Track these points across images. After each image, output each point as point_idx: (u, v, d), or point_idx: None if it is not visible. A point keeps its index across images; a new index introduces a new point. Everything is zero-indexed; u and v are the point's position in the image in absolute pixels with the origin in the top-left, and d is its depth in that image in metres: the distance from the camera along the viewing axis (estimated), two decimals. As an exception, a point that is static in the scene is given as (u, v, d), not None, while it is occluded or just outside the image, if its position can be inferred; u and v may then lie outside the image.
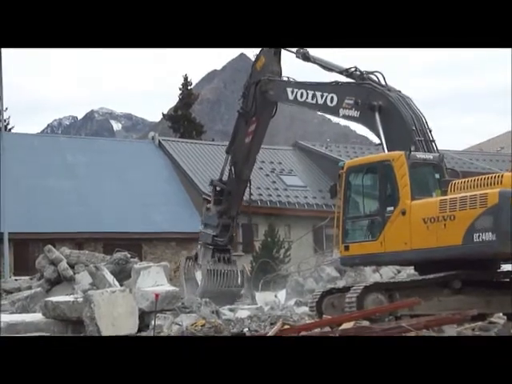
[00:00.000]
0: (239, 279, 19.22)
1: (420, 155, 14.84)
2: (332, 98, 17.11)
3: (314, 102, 17.58)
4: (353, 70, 17.02)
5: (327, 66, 17.79)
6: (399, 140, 15.42)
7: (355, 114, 16.47)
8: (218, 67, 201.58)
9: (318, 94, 17.43)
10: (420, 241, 13.93)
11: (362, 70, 16.83)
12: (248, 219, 20.81)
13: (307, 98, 17.77)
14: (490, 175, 13.72)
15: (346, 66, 17.43)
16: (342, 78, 17.28)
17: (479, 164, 42.50)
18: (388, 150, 15.31)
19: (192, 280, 18.94)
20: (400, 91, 16.35)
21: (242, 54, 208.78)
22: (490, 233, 13.04)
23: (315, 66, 18.11)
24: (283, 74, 19.10)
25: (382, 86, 16.32)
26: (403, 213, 14.20)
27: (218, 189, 19.50)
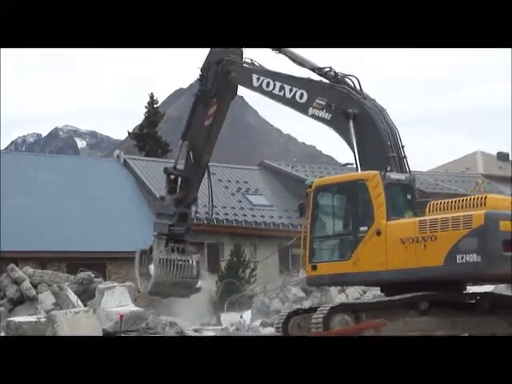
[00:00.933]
0: (195, 270, 17.59)
1: (394, 175, 14.71)
2: (302, 95, 16.28)
3: (281, 94, 16.63)
4: (327, 69, 16.24)
5: (298, 61, 16.83)
6: (372, 154, 15.14)
7: (326, 115, 15.85)
8: (185, 85, 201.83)
9: (287, 87, 16.50)
10: (397, 261, 13.83)
11: (338, 71, 16.13)
12: (210, 211, 19.75)
13: (274, 88, 16.76)
14: (472, 196, 13.74)
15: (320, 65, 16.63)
16: (314, 77, 16.53)
17: (444, 185, 42.75)
18: (360, 164, 15.10)
19: (147, 276, 17.61)
20: (375, 100, 15.91)
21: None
22: (475, 254, 13.00)
23: (286, 58, 17.02)
24: (246, 56, 17.67)
25: (357, 92, 15.80)
26: (378, 233, 14.09)
27: (172, 177, 18.10)
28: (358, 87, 15.82)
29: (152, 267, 17.29)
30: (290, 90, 16.39)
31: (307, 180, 15.75)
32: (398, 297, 13.98)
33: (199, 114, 17.97)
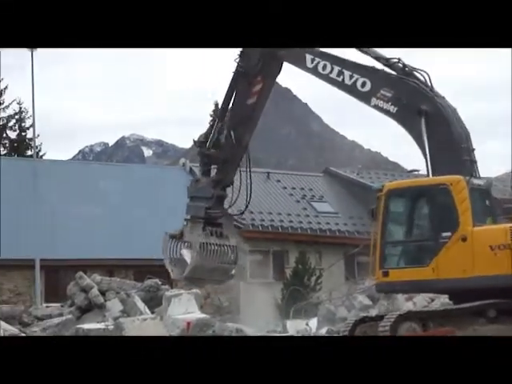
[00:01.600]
0: (233, 255, 16.82)
1: (475, 180, 14.34)
2: (364, 83, 15.39)
3: (339, 79, 15.61)
4: (395, 60, 15.27)
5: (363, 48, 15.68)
6: (445, 156, 14.58)
7: (391, 108, 15.13)
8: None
9: (347, 72, 15.50)
10: (485, 268, 13.56)
11: (407, 63, 15.23)
12: (246, 201, 17.73)
13: (331, 72, 15.70)
14: None
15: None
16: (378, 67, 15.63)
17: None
18: (431, 166, 14.59)
19: (179, 261, 16.80)
20: (445, 98, 15.13)
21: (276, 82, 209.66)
22: None
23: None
24: None
25: (429, 87, 15.04)
26: (463, 239, 13.78)
27: (206, 159, 17.12)
28: (428, 83, 15.08)
29: (185, 252, 16.70)
30: (351, 77, 15.52)
31: (374, 185, 15.45)
32: (466, 305, 13.79)
33: (241, 91, 16.85)
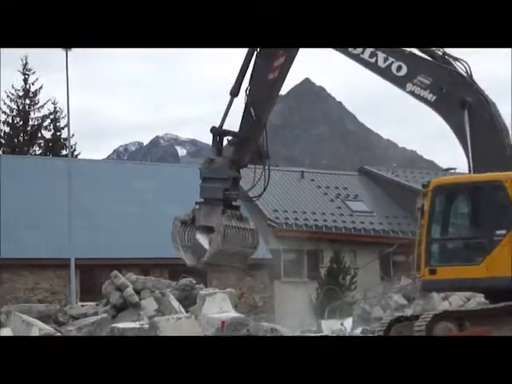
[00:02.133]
0: (254, 239, 15.83)
1: None
2: (399, 67, 14.80)
3: (371, 60, 14.91)
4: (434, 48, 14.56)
5: None
6: (488, 152, 14.23)
7: (429, 97, 14.62)
8: (283, 92, 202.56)
9: (381, 55, 14.81)
10: None
11: (447, 51, 14.56)
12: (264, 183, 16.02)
13: (363, 53, 14.96)
14: None
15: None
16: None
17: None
18: (473, 162, 14.24)
19: (193, 247, 15.91)
20: (484, 91, 14.62)
21: (306, 79, 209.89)
22: None
23: None
24: None
25: (471, 78, 14.52)
26: None
27: (218, 138, 16.01)
28: (469, 73, 14.54)
29: (200, 237, 15.69)
30: (385, 60, 14.87)
31: (423, 180, 14.99)
32: (503, 304, 13.66)
33: (260, 66, 15.75)
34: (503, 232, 13.70)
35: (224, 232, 15.08)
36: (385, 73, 15.00)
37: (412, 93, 14.83)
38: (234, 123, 15.66)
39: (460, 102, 14.34)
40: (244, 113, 15.76)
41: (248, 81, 15.57)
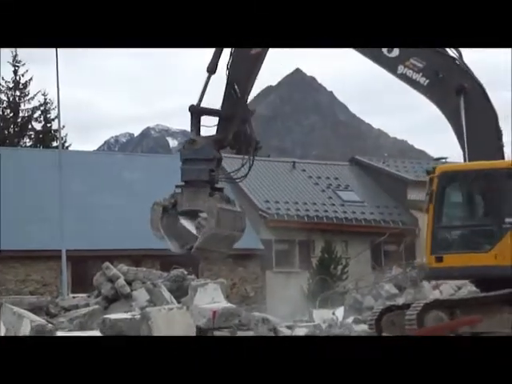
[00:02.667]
0: (242, 222, 15.02)
1: None
2: (391, 49, 14.46)
3: None
4: None
5: None
6: (482, 138, 14.12)
7: (422, 80, 14.44)
8: (274, 83, 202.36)
9: None
10: None
11: None
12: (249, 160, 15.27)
13: None
14: None
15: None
16: None
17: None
18: (469, 149, 14.09)
19: (177, 233, 15.14)
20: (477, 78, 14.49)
21: (297, 70, 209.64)
22: None
23: None
24: None
25: (464, 64, 14.42)
26: None
27: (196, 118, 15.21)
28: (462, 60, 14.47)
29: (186, 222, 14.92)
30: None
31: (427, 167, 14.70)
32: (493, 293, 13.71)
33: None
34: None
35: (218, 215, 14.30)
36: (375, 54, 14.72)
37: (403, 76, 14.60)
38: (211, 102, 15.21)
39: (456, 88, 14.21)
40: (226, 90, 15.02)
41: (229, 57, 14.95)
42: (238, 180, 15.48)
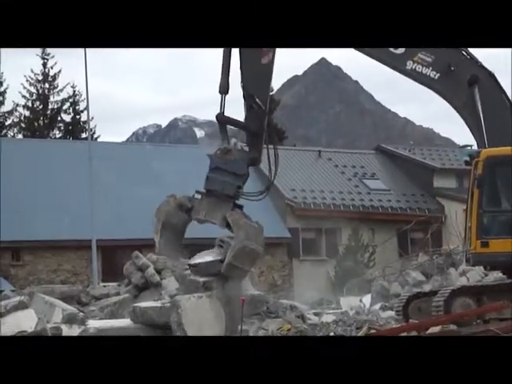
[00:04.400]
0: (263, 238, 14.25)
1: None
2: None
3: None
4: None
5: None
6: (500, 128, 13.94)
7: (432, 74, 14.23)
8: (299, 72, 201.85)
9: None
10: None
11: None
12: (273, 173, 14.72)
13: None
14: None
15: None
16: None
17: None
18: (487, 139, 13.90)
19: (176, 234, 15.01)
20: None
21: (322, 59, 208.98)
22: None
23: None
24: None
25: (472, 55, 14.28)
26: None
27: (225, 128, 14.77)
28: (468, 51, 14.22)
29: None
30: None
31: (465, 151, 14.39)
32: (520, 279, 13.77)
33: (249, 55, 14.50)
34: None
35: (245, 226, 13.83)
36: (382, 52, 14.40)
37: (413, 71, 14.41)
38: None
39: (470, 78, 14.09)
40: (247, 104, 14.51)
41: (241, 75, 14.53)
42: (257, 199, 14.78)
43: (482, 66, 14.34)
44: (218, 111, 14.62)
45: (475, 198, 13.92)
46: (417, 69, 14.33)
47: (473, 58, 14.35)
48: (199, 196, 14.22)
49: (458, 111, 14.48)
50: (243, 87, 14.43)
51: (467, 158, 14.45)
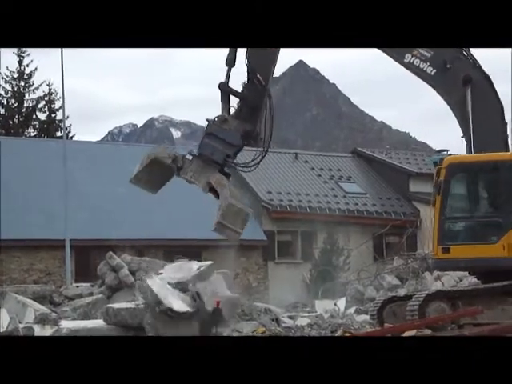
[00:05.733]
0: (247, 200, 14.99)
1: None
2: None
3: None
4: None
5: None
6: (489, 130, 14.15)
7: (429, 69, 14.43)
8: (277, 74, 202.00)
9: None
10: None
11: None
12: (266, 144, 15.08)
13: None
14: None
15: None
16: None
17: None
18: (474, 140, 14.10)
19: (159, 175, 15.18)
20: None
21: (300, 61, 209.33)
22: None
23: None
24: None
25: (470, 54, 14.47)
26: None
27: (226, 97, 14.99)
28: (469, 51, 14.43)
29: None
30: None
31: (432, 157, 14.68)
32: (495, 284, 13.77)
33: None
34: None
35: (228, 186, 14.23)
36: None
37: (411, 64, 14.59)
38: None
39: (464, 78, 14.23)
40: (248, 78, 14.74)
41: (246, 48, 14.59)
42: (249, 169, 15.31)
43: (478, 68, 14.43)
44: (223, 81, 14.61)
45: (437, 205, 14.17)
46: (415, 62, 14.50)
47: (471, 59, 14.44)
48: (190, 157, 14.50)
49: (450, 108, 14.56)
50: (247, 60, 14.53)
51: (437, 161, 14.60)
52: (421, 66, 14.52)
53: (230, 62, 14.68)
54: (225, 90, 14.61)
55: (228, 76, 14.74)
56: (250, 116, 14.74)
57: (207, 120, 14.55)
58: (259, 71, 14.61)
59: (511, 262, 13.77)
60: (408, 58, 14.51)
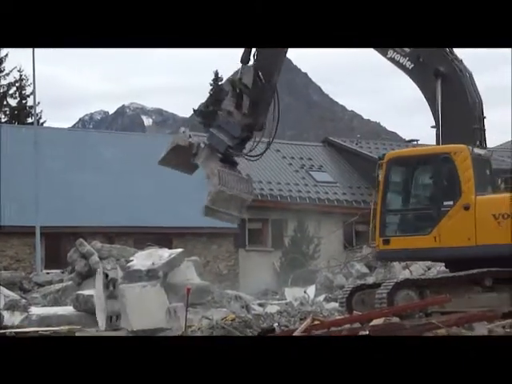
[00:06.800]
0: (250, 185, 16.23)
1: (477, 151, 14.40)
2: None
3: None
4: None
5: None
6: (456, 122, 14.57)
7: (408, 64, 15.00)
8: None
9: None
10: (488, 237, 13.77)
11: None
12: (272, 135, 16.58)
13: None
14: None
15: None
16: None
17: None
18: (442, 131, 14.64)
19: (183, 156, 16.04)
20: (462, 61, 14.99)
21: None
22: None
23: None
24: None
25: (448, 49, 14.88)
26: (466, 208, 13.97)
27: (238, 91, 16.10)
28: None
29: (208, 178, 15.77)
30: None
31: (379, 154, 15.10)
32: (462, 273, 13.95)
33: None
34: (450, 203, 14.19)
35: (219, 174, 15.29)
36: None
37: (392, 60, 15.15)
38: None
39: (434, 72, 14.66)
40: (253, 76, 15.77)
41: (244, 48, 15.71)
42: (254, 158, 16.79)
43: (450, 61, 14.75)
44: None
45: (378, 198, 14.72)
46: (395, 57, 15.09)
47: (443, 52, 14.75)
48: (203, 145, 15.78)
49: (427, 102, 14.93)
50: (254, 58, 15.60)
51: (381, 156, 15.14)
52: (401, 61, 15.04)
53: (245, 60, 15.78)
54: (235, 85, 15.80)
55: (241, 73, 15.88)
56: (252, 110, 15.72)
57: (193, 110, 15.86)
58: (261, 69, 15.56)
59: (444, 252, 14.25)
60: (390, 53, 15.08)
